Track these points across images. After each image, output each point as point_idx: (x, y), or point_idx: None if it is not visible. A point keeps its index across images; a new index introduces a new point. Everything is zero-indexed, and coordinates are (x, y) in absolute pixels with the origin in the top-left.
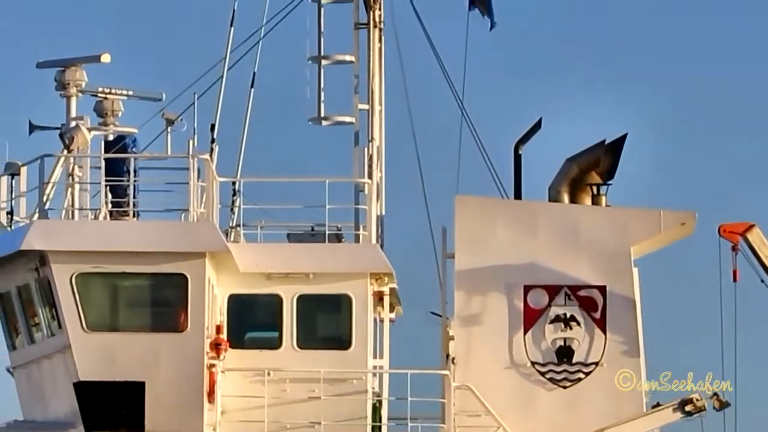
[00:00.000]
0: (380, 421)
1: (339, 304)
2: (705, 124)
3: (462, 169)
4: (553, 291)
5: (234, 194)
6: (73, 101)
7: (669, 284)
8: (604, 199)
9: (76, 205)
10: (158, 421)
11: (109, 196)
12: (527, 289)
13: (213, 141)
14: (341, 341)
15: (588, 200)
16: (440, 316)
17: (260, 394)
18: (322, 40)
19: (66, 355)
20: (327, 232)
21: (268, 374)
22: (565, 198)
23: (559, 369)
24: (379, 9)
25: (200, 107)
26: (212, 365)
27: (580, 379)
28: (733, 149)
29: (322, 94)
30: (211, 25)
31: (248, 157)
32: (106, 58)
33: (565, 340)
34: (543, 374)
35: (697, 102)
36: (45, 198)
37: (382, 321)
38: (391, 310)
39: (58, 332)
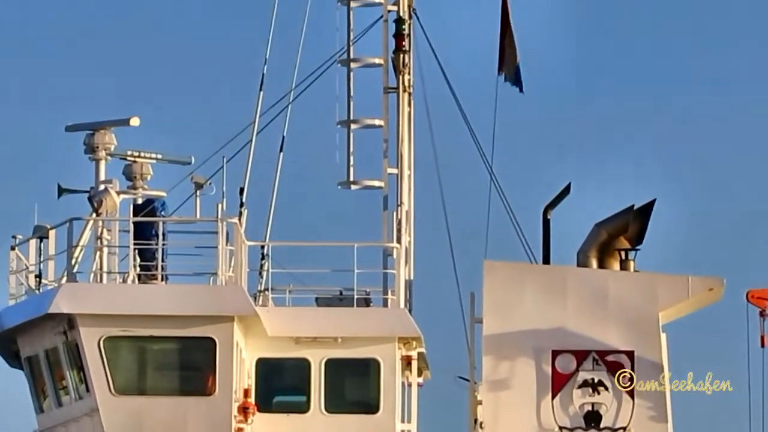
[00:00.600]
0: None
1: (367, 369)
2: (733, 190)
3: (491, 234)
4: (581, 356)
5: (263, 258)
6: (102, 164)
7: (697, 350)
8: (632, 264)
9: (105, 269)
10: None
11: (138, 259)
12: (555, 354)
13: (242, 205)
14: (369, 405)
15: (616, 265)
16: (468, 380)
17: None
18: (351, 104)
19: (94, 418)
20: (355, 297)
21: None
22: (594, 263)
23: None
24: (409, 73)
25: (229, 171)
26: (240, 429)
27: None
28: (761, 215)
29: (352, 158)
30: (241, 88)
31: (277, 221)
32: (135, 121)
33: (593, 405)
34: None
35: (725, 168)
36: (73, 261)
37: (410, 385)
38: (419, 374)
39: (86, 395)
